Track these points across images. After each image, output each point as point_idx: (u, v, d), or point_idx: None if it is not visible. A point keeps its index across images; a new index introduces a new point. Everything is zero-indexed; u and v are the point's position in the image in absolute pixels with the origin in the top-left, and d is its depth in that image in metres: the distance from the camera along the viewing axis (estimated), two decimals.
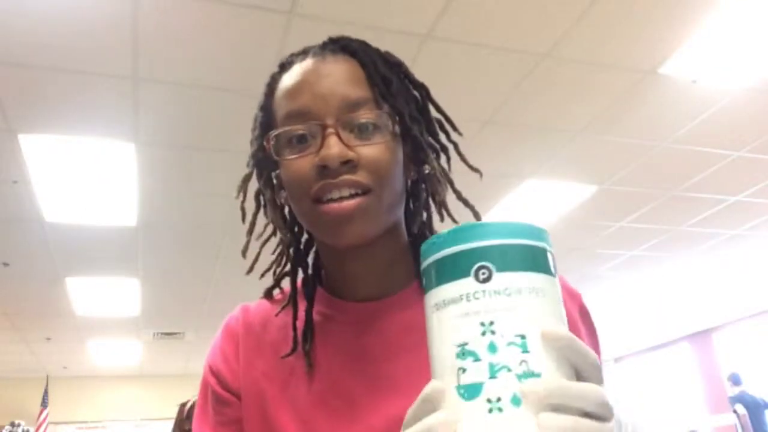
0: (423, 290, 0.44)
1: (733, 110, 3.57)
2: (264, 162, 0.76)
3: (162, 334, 7.32)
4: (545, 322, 0.40)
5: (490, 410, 0.37)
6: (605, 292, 6.77)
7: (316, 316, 0.73)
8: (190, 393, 2.83)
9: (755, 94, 3.44)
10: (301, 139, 0.67)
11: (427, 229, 0.77)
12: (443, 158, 0.75)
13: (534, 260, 0.41)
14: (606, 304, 7.26)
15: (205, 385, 0.76)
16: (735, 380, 7.40)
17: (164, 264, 5.21)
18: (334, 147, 0.64)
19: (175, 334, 7.35)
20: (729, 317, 8.86)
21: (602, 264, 6.01)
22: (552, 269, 0.43)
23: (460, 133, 0.76)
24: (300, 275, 0.77)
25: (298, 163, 0.67)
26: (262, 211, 0.78)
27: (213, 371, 0.75)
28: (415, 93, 0.75)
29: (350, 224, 0.65)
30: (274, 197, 0.76)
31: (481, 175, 0.75)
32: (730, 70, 3.20)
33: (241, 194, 0.78)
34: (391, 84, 0.70)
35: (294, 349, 0.70)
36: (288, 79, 0.70)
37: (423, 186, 0.76)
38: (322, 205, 0.65)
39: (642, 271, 6.36)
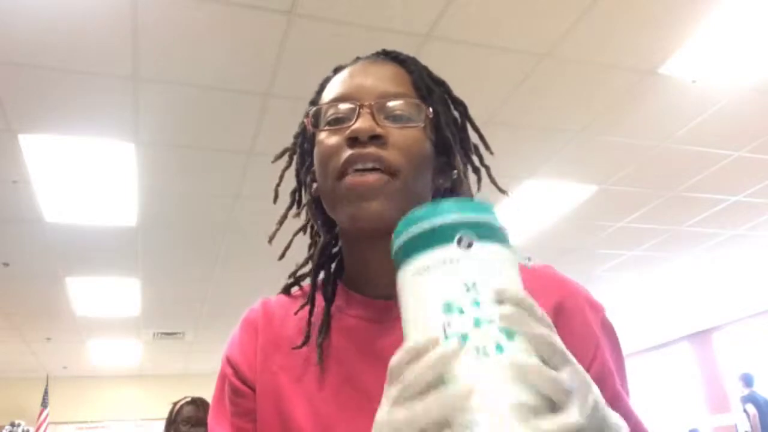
0: (396, 267, 0.47)
1: (733, 110, 3.57)
2: (305, 150, 0.79)
3: (162, 334, 7.33)
4: (519, 288, 0.45)
5: (477, 357, 0.41)
6: (605, 292, 6.78)
7: (334, 311, 0.74)
8: (190, 393, 2.83)
9: (755, 94, 3.44)
10: (339, 121, 0.71)
11: None
12: (473, 177, 0.78)
13: (500, 234, 0.46)
14: (606, 305, 7.24)
15: (222, 377, 0.77)
16: (747, 380, 7.33)
17: (164, 264, 5.22)
18: (365, 121, 0.68)
19: (175, 334, 7.35)
20: (729, 317, 8.86)
21: (602, 264, 6.01)
22: (510, 242, 0.47)
23: (491, 153, 0.80)
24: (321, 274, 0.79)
25: (330, 137, 0.70)
26: (294, 207, 0.81)
27: (230, 363, 0.76)
28: (455, 112, 0.78)
29: (370, 200, 0.66)
30: (310, 184, 0.78)
31: (507, 194, 0.78)
32: (730, 70, 3.20)
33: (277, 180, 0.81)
34: (432, 92, 0.74)
35: (305, 342, 0.72)
36: (337, 77, 0.75)
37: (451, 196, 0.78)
38: (345, 179, 0.67)
39: (642, 271, 6.37)
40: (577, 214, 4.83)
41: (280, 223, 0.79)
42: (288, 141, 0.80)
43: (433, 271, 0.44)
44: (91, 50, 2.72)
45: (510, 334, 0.41)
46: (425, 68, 0.77)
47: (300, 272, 0.80)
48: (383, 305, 0.72)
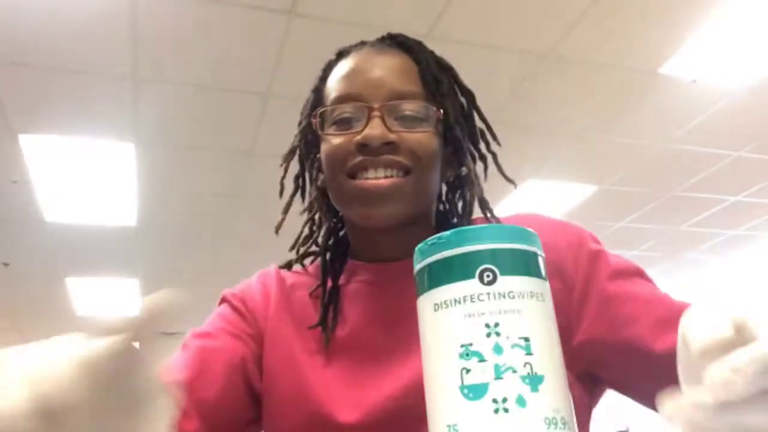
0: (417, 292, 0.44)
1: (733, 110, 3.56)
2: (310, 142, 0.78)
3: (162, 334, 7.33)
4: (546, 326, 0.41)
5: (496, 410, 0.37)
6: None
7: (342, 282, 0.74)
8: None
9: (755, 94, 3.44)
10: (347, 121, 0.69)
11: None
12: (480, 166, 0.78)
13: (533, 265, 0.42)
14: None
15: (218, 312, 0.75)
16: None
17: (164, 264, 5.21)
18: (377, 128, 0.66)
19: (175, 334, 7.34)
20: None
21: None
22: (545, 274, 0.43)
23: (499, 144, 0.79)
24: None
25: (339, 140, 0.69)
26: (299, 193, 0.80)
27: (238, 297, 0.75)
28: (462, 99, 0.78)
29: (384, 202, 0.66)
30: (316, 177, 0.77)
31: (515, 185, 0.77)
32: (730, 70, 3.20)
33: (282, 170, 0.79)
34: (441, 84, 0.73)
35: (319, 324, 0.71)
36: (343, 66, 0.73)
37: (458, 192, 0.78)
38: (357, 180, 0.67)
39: None
40: (577, 214, 4.82)
41: (286, 211, 0.78)
42: (289, 141, 0.80)
43: (452, 309, 0.40)
44: (91, 50, 2.72)
45: (535, 386, 0.38)
46: (432, 55, 0.76)
47: (303, 250, 0.79)
48: (389, 267, 0.72)
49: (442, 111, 0.71)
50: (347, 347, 0.69)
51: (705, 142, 3.91)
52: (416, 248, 0.45)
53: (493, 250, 0.41)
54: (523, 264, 0.41)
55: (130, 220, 4.32)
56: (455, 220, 0.78)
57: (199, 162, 3.67)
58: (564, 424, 0.38)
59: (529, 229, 0.43)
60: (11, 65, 2.77)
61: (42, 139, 3.32)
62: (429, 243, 0.43)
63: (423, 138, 0.68)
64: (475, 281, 0.40)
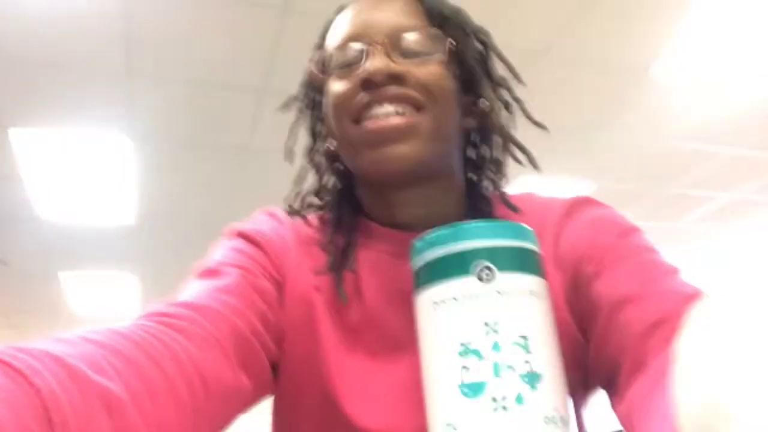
0: (414, 288, 0.44)
1: (729, 108, 3.57)
2: (314, 99, 0.73)
3: None
4: (545, 325, 0.40)
5: (495, 409, 0.37)
6: None
7: (357, 243, 0.68)
8: None
9: (751, 92, 3.44)
10: (348, 65, 0.63)
11: (486, 181, 0.72)
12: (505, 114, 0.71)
13: (531, 263, 0.42)
14: None
15: (234, 246, 0.66)
16: None
17: (164, 262, 5.20)
18: (379, 60, 0.60)
19: None
20: None
21: None
22: (543, 272, 0.43)
23: (523, 83, 0.74)
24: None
25: (342, 83, 0.62)
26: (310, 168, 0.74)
27: (262, 235, 0.67)
28: (476, 42, 0.72)
29: (396, 142, 0.59)
30: (326, 139, 0.71)
31: (548, 130, 0.73)
32: (729, 70, 3.20)
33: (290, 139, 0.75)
34: (449, 20, 0.66)
35: (332, 267, 0.65)
36: (342, 16, 0.69)
37: (484, 146, 0.72)
38: (364, 122, 0.60)
39: None
40: None
41: (298, 183, 0.73)
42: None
43: (451, 306, 0.40)
44: (85, 45, 2.71)
45: (534, 384, 0.38)
46: None
47: (310, 202, 0.72)
48: (408, 238, 0.66)
49: (452, 42, 0.64)
50: (364, 328, 0.63)
51: (701, 140, 3.91)
52: (414, 244, 0.45)
53: (491, 248, 0.40)
54: (521, 261, 0.41)
55: (128, 216, 4.31)
56: (485, 181, 0.73)
57: (194, 158, 3.66)
58: (563, 422, 0.38)
59: (527, 227, 0.43)
60: (2, 59, 2.75)
61: (39, 136, 3.30)
62: (427, 240, 0.43)
63: (433, 70, 0.62)
64: (474, 279, 0.40)
